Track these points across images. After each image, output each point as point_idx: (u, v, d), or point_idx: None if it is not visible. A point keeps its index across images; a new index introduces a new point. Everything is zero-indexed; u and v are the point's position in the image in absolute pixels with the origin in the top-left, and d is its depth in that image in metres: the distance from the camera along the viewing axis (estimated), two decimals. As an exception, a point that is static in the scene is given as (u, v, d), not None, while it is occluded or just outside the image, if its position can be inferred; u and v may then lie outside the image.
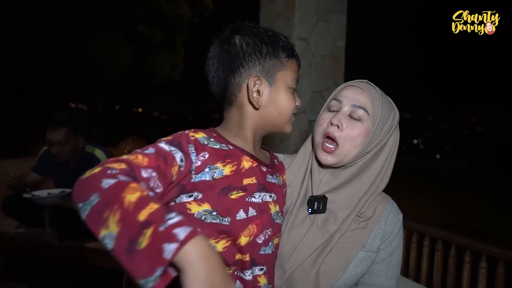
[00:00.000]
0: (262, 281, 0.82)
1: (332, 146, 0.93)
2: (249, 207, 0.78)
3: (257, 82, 0.80)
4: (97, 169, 0.60)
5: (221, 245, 0.75)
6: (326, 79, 2.99)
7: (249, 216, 0.77)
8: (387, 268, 0.97)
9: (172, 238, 0.48)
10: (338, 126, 0.92)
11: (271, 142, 3.15)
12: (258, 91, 0.81)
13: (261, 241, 0.80)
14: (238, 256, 0.78)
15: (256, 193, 0.80)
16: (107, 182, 0.56)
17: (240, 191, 0.77)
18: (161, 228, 0.49)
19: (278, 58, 0.81)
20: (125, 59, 11.97)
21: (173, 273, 0.49)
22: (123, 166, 0.61)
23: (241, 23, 0.84)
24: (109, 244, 0.51)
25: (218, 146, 0.78)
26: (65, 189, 2.25)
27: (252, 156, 0.83)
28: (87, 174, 0.59)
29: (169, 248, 0.47)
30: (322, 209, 0.94)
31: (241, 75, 0.80)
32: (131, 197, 0.53)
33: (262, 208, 0.81)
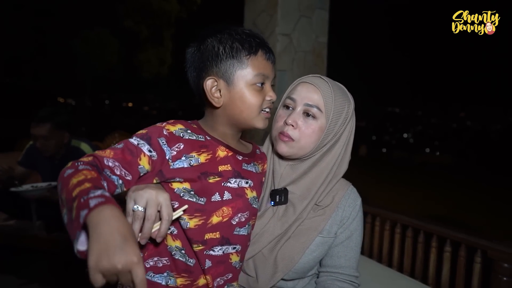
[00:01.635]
0: (234, 258, 0.90)
1: (287, 139, 0.98)
2: (225, 191, 0.86)
3: (214, 83, 0.86)
4: (69, 164, 0.72)
5: (193, 222, 0.84)
6: (309, 73, 3.06)
7: (224, 199, 0.86)
8: (346, 250, 1.04)
9: (85, 206, 0.58)
10: (292, 125, 0.97)
11: (257, 136, 3.22)
12: (220, 91, 0.87)
13: (235, 223, 0.88)
14: (207, 236, 0.85)
15: (231, 179, 0.87)
16: (67, 172, 0.69)
17: (216, 176, 0.85)
18: (82, 200, 0.59)
19: (237, 58, 0.85)
20: (112, 55, 11.84)
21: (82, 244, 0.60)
22: (89, 158, 0.74)
23: (213, 27, 0.90)
24: (64, 220, 0.63)
25: (194, 137, 0.86)
26: (52, 182, 2.30)
27: (227, 147, 0.90)
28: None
29: (82, 214, 0.57)
30: (284, 201, 1.01)
31: (201, 78, 0.88)
32: (75, 179, 0.65)
33: (238, 192, 0.89)
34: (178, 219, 0.82)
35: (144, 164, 0.78)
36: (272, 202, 1.01)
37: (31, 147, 2.49)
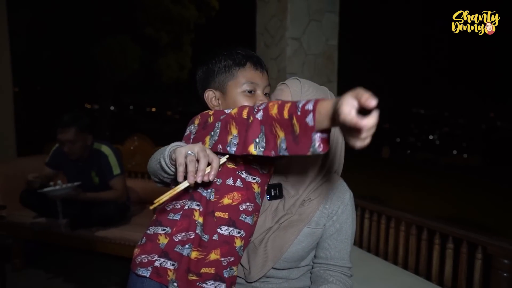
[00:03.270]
0: (238, 243, 1.00)
1: None
2: (238, 179, 0.97)
3: (212, 94, 1.05)
4: (246, 109, 0.85)
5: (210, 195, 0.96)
6: (319, 77, 3.13)
7: (236, 185, 0.97)
8: (336, 242, 1.09)
9: (307, 113, 0.68)
10: None
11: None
12: (218, 100, 1.05)
13: (242, 209, 0.98)
14: (218, 214, 0.96)
15: (243, 171, 0.98)
16: (258, 115, 0.81)
17: (233, 164, 0.97)
18: (299, 113, 0.70)
19: (228, 72, 1.02)
20: (133, 61, 12.21)
21: (324, 133, 0.69)
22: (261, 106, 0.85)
23: (214, 52, 1.08)
24: (283, 145, 0.74)
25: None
26: (75, 182, 2.46)
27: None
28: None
29: (309, 118, 0.68)
30: (279, 195, 1.08)
31: (203, 91, 1.08)
32: (273, 111, 0.77)
33: (247, 184, 0.98)
34: (211, 182, 0.91)
35: None
36: (268, 197, 1.08)
37: (57, 149, 2.68)
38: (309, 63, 3.09)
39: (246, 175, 0.98)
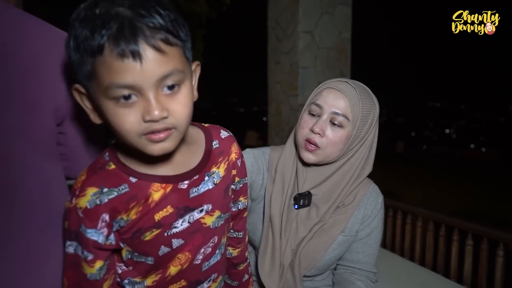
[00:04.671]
0: (214, 286, 0.78)
1: (314, 148, 0.95)
2: (172, 240, 0.67)
3: (77, 94, 0.60)
4: None
5: (150, 279, 0.70)
6: (332, 70, 3.08)
7: (174, 248, 0.68)
8: (365, 246, 1.05)
9: None
10: (319, 134, 0.94)
11: (282, 132, 3.28)
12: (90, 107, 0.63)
13: (199, 262, 0.72)
14: (172, 287, 0.72)
15: (176, 222, 0.66)
16: None
17: (154, 230, 0.65)
18: None
19: (81, 61, 0.55)
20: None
21: None
22: None
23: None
24: None
25: (115, 193, 0.61)
26: None
27: (163, 179, 0.65)
28: None
29: None
30: (307, 204, 1.03)
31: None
32: None
33: (192, 230, 0.69)
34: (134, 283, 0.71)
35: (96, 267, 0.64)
36: (296, 206, 1.02)
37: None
38: (322, 57, 3.04)
39: (185, 218, 0.67)
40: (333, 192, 1.01)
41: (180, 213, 0.67)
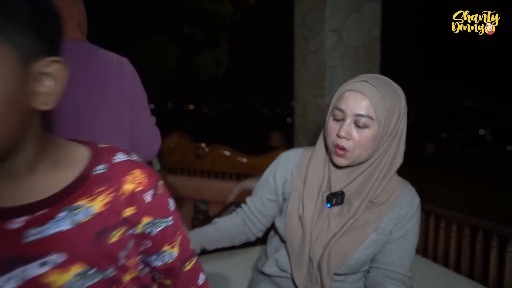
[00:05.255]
0: None
1: (343, 152, 0.98)
2: None
3: None
4: None
5: None
6: (360, 69, 3.01)
7: None
8: (399, 248, 1.04)
9: None
10: (346, 138, 0.97)
11: (308, 132, 3.24)
12: None
13: None
14: None
15: None
16: None
17: None
18: None
19: None
20: (172, 59, 12.52)
21: None
22: None
23: None
24: None
25: None
26: None
27: None
28: None
29: None
30: (340, 203, 1.04)
31: None
32: None
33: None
34: None
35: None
36: (329, 204, 1.04)
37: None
38: (350, 56, 2.97)
39: (20, 269, 0.46)
40: (364, 186, 1.01)
41: (4, 266, 0.45)
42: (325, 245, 1.03)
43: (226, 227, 1.21)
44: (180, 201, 3.27)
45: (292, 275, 1.10)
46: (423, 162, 12.35)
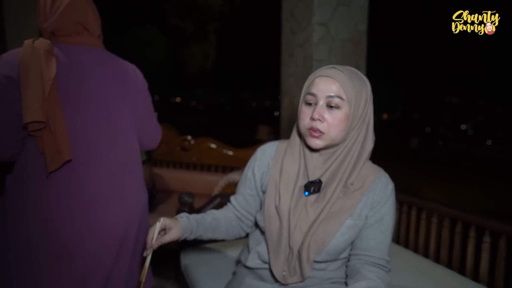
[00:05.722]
0: None
1: (318, 134, 1.02)
2: None
3: None
4: None
5: None
6: (347, 63, 3.02)
7: None
8: (375, 233, 1.07)
9: None
10: (320, 120, 1.01)
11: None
12: None
13: None
14: None
15: None
16: None
17: None
18: None
19: None
20: (159, 51, 12.36)
21: None
22: None
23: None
24: None
25: None
26: None
27: None
28: None
29: None
30: (317, 191, 1.07)
31: None
32: None
33: None
34: None
35: None
36: (307, 193, 1.06)
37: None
38: (337, 49, 2.99)
39: None
40: (338, 171, 1.04)
41: None
42: (306, 233, 1.05)
43: (221, 219, 1.24)
44: (165, 193, 3.25)
45: (270, 265, 1.12)
46: (408, 156, 12.57)
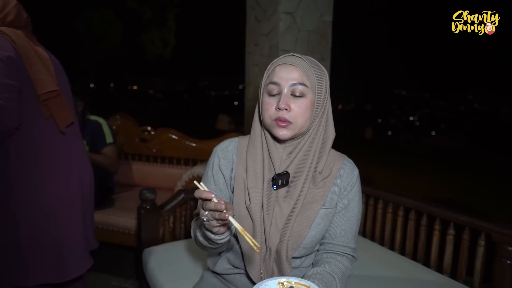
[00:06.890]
0: None
1: (286, 124, 0.98)
2: None
3: None
4: None
5: None
6: (313, 54, 2.99)
7: None
8: (342, 219, 1.06)
9: None
10: (286, 109, 0.97)
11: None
12: None
13: None
14: None
15: None
16: None
17: None
18: None
19: None
20: (116, 36, 11.71)
21: None
22: None
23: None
24: None
25: None
26: None
27: None
28: None
29: None
30: (285, 184, 1.02)
31: None
32: None
33: None
34: None
35: None
36: (275, 187, 1.01)
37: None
38: (303, 40, 2.94)
39: None
40: (305, 161, 1.02)
41: None
42: (282, 229, 1.01)
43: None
44: (124, 187, 3.06)
45: (245, 270, 1.06)
46: (363, 144, 13.08)
